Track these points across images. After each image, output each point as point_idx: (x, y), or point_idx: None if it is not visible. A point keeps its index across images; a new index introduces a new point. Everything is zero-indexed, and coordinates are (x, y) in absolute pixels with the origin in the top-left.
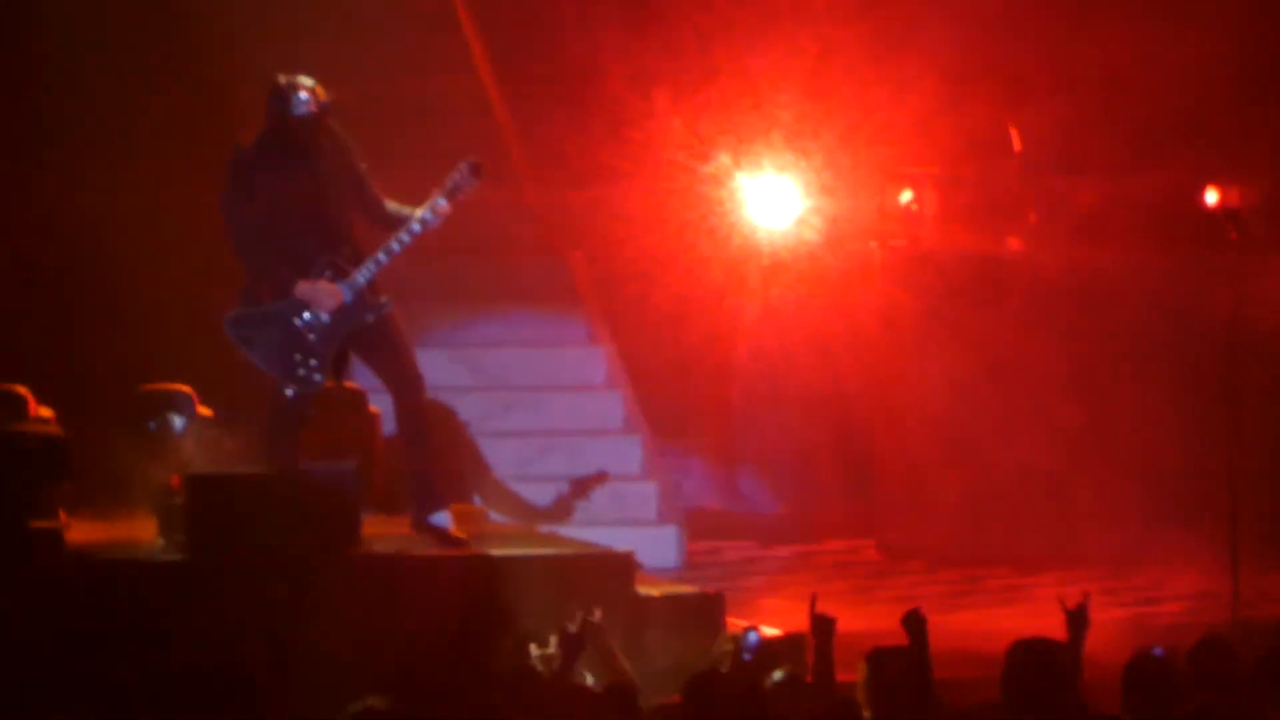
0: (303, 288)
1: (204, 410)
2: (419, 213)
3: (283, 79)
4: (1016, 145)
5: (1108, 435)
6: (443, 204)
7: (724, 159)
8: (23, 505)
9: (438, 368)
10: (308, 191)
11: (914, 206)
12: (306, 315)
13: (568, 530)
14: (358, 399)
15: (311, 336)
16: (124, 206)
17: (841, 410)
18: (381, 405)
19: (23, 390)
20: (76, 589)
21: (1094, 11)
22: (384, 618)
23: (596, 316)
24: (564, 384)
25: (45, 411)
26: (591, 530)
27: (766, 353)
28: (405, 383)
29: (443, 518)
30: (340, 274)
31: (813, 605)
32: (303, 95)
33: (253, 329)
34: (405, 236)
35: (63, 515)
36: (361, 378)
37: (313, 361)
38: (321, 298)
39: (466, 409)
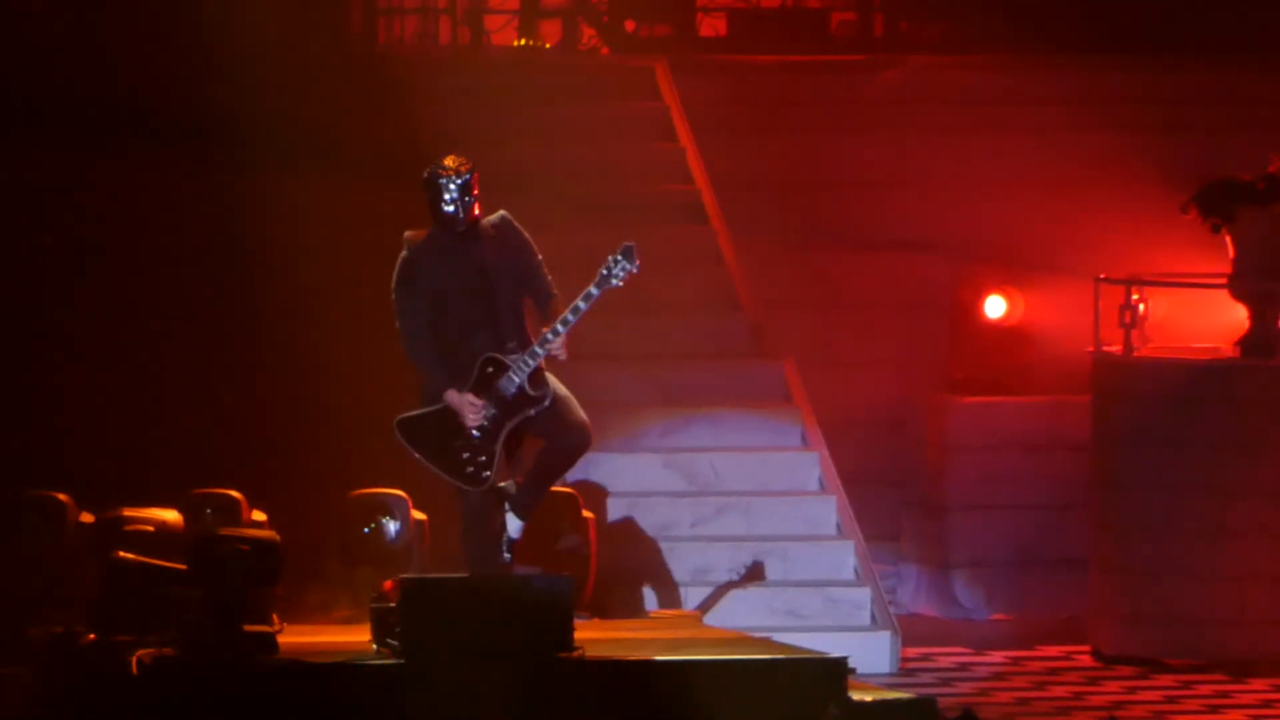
0: (451, 397)
1: (418, 515)
2: (575, 302)
3: (429, 170)
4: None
5: None
6: (595, 293)
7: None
8: (236, 608)
9: (651, 472)
10: (470, 285)
11: (1129, 312)
12: None
13: (782, 636)
14: (572, 502)
15: (475, 435)
16: (336, 314)
17: (1056, 516)
18: (595, 510)
19: (237, 495)
20: (290, 692)
21: None
22: None
23: (810, 421)
24: (777, 489)
25: (259, 515)
26: (806, 636)
27: (980, 457)
28: (572, 429)
29: (516, 527)
30: (502, 371)
31: None
32: (451, 188)
33: (422, 431)
34: (560, 327)
35: (276, 619)
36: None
37: (481, 459)
38: (465, 411)
39: (679, 513)
